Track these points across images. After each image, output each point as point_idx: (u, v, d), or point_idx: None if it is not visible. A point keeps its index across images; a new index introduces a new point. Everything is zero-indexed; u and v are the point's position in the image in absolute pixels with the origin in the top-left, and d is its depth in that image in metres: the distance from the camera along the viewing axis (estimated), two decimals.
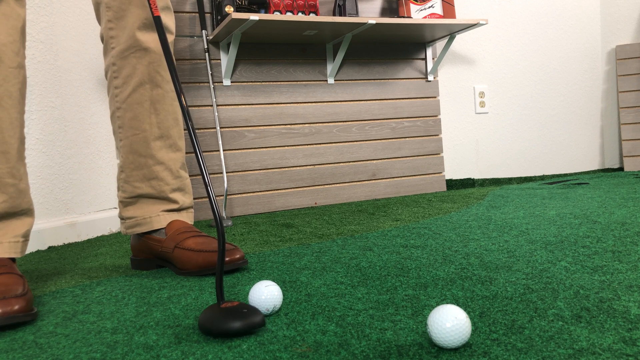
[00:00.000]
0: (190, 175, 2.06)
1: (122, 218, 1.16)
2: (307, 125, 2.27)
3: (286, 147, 2.23)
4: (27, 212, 0.99)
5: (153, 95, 1.10)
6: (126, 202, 1.14)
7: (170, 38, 1.13)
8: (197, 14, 2.06)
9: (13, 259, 0.97)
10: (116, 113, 1.12)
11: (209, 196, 0.78)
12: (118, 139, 1.13)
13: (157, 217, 1.13)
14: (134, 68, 1.09)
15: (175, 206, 1.15)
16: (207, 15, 2.08)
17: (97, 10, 1.12)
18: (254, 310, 0.69)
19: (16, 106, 0.96)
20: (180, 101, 0.82)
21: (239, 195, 2.14)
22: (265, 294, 0.75)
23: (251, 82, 2.17)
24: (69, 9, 1.74)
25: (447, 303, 0.74)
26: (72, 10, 1.75)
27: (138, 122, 1.10)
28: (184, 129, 0.77)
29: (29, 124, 1.59)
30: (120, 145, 1.13)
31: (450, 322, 0.59)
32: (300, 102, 2.25)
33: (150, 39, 1.09)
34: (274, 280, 0.97)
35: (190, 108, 2.06)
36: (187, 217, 1.18)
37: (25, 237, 0.98)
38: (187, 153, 2.05)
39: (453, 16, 2.28)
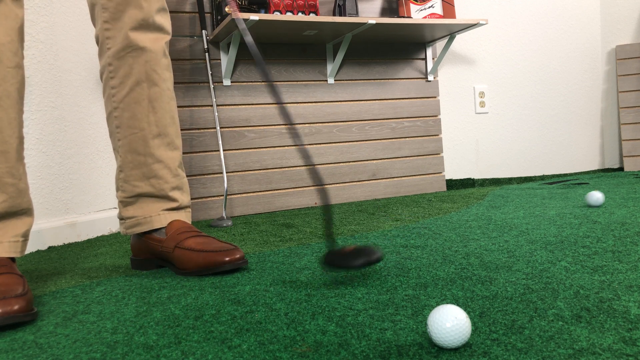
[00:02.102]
0: (187, 175, 2.06)
1: (122, 218, 1.16)
2: (307, 125, 2.27)
3: (286, 147, 2.23)
4: (26, 211, 0.99)
5: (150, 93, 1.10)
6: (126, 201, 1.14)
7: (167, 38, 1.13)
8: (197, 14, 2.06)
9: (13, 259, 0.97)
10: (113, 113, 1.12)
11: None
12: (116, 139, 1.13)
13: (157, 217, 1.13)
14: (131, 67, 1.09)
15: (175, 205, 1.15)
16: (207, 15, 2.08)
17: (93, 12, 1.11)
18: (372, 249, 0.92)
19: (14, 106, 0.96)
20: None
21: (239, 195, 2.14)
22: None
23: (251, 82, 2.17)
24: (69, 9, 1.74)
25: (447, 303, 0.74)
26: (72, 10, 1.75)
27: (136, 121, 1.10)
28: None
29: (29, 123, 1.59)
30: (118, 145, 1.13)
31: (450, 322, 0.59)
32: (300, 102, 2.25)
33: (146, 38, 1.09)
34: (274, 281, 0.97)
35: (190, 108, 2.06)
36: (186, 217, 1.18)
37: (25, 236, 0.98)
38: (184, 153, 2.05)
39: (453, 16, 2.28)
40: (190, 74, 2.06)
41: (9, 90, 0.95)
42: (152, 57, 1.10)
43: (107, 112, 1.14)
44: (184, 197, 1.17)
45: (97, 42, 1.12)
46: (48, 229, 1.59)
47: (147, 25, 1.09)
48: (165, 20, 1.13)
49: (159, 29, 1.11)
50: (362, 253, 0.90)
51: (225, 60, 2.09)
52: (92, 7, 1.11)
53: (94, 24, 1.12)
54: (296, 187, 2.24)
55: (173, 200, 1.15)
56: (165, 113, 1.13)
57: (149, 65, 1.10)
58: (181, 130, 2.03)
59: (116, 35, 1.08)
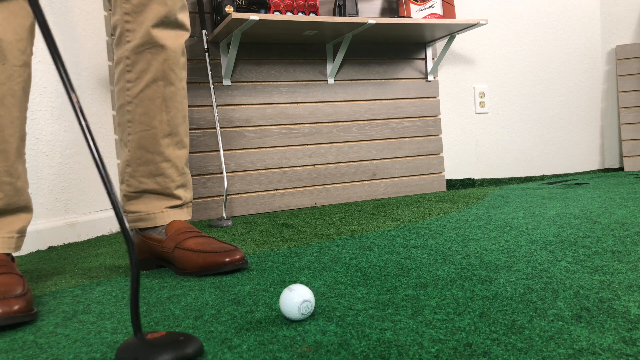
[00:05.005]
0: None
1: (124, 212, 1.16)
2: (307, 125, 2.27)
3: (286, 147, 2.23)
4: (23, 209, 0.99)
5: (166, 92, 1.10)
6: (130, 196, 1.14)
7: (186, 35, 1.14)
8: (197, 14, 2.06)
9: (13, 259, 0.97)
10: (126, 107, 1.11)
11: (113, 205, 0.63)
12: (126, 133, 1.12)
13: (160, 214, 1.13)
14: (149, 64, 1.08)
15: (178, 202, 1.15)
16: (207, 15, 2.08)
17: None
18: (188, 338, 0.62)
19: (18, 105, 0.96)
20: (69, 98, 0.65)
21: (239, 195, 2.14)
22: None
23: (251, 82, 2.17)
24: (69, 9, 1.74)
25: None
26: (72, 10, 1.75)
27: (148, 119, 1.10)
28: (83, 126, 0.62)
29: (29, 123, 1.58)
30: (128, 139, 1.12)
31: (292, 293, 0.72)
32: (300, 102, 2.25)
33: (167, 36, 1.09)
34: (274, 281, 0.97)
35: (190, 108, 2.06)
36: (187, 212, 1.18)
37: (21, 232, 0.98)
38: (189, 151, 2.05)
39: (453, 16, 2.28)
40: (190, 74, 2.06)
41: (14, 89, 0.95)
42: (172, 56, 1.10)
43: (119, 103, 1.13)
44: (187, 194, 1.18)
45: (114, 30, 1.11)
46: (48, 229, 1.59)
47: (169, 22, 1.08)
48: (186, 17, 1.12)
49: (180, 26, 1.11)
50: (171, 344, 0.61)
51: (225, 60, 2.09)
52: None
53: (111, 11, 1.11)
54: (296, 187, 2.24)
55: (177, 198, 1.15)
56: (177, 112, 1.13)
57: (167, 64, 1.09)
58: None
59: (136, 29, 1.07)
